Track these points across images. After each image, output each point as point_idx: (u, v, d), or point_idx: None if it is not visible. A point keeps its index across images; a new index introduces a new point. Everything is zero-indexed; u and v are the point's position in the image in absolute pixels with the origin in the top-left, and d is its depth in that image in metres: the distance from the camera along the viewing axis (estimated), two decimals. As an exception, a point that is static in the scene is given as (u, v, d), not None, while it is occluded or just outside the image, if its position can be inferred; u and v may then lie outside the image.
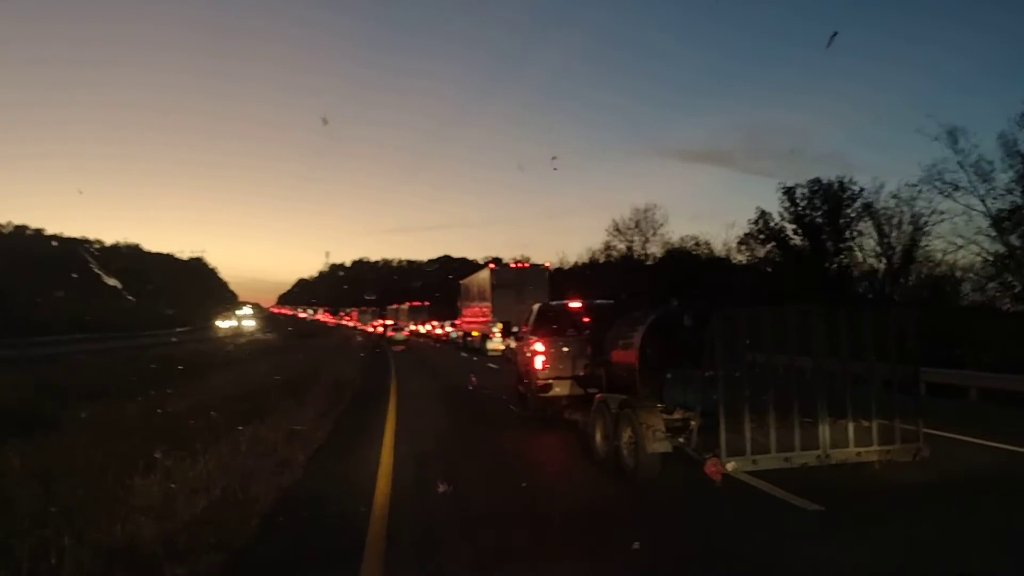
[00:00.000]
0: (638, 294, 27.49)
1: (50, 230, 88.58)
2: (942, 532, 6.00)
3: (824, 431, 6.91)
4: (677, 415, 7.78)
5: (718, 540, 6.03)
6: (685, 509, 7.04)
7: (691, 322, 8.49)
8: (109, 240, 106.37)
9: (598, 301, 13.54)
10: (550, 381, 12.03)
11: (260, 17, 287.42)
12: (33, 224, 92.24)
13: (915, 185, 32.36)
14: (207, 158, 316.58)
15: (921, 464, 7.27)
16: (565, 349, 12.04)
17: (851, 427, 7.03)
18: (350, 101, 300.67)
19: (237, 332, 68.50)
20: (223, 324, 74.35)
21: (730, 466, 6.59)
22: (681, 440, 7.45)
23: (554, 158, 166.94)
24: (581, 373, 11.39)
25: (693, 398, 7.45)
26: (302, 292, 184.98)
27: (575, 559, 5.47)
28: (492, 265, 37.04)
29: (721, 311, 7.05)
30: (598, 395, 9.43)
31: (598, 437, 9.01)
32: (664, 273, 44.33)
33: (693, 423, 7.30)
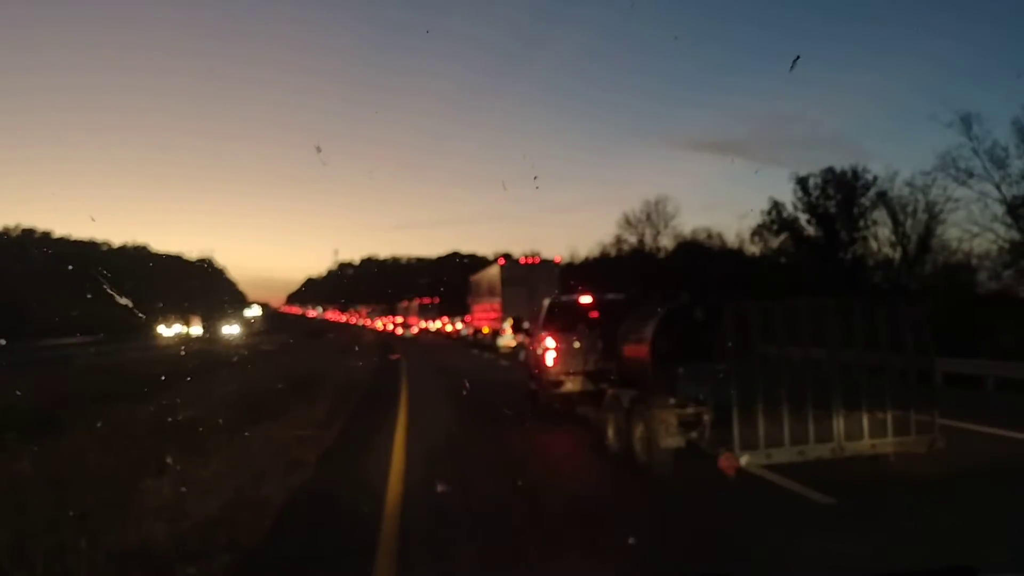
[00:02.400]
0: (649, 289, 27.36)
1: (58, 232, 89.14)
2: (954, 524, 5.89)
3: (838, 423, 6.91)
4: (690, 410, 7.71)
5: (728, 531, 5.98)
6: (697, 502, 6.96)
7: (702, 316, 8.42)
8: (117, 241, 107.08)
9: (609, 296, 13.47)
10: (562, 377, 11.97)
11: (266, 18, 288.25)
12: (41, 227, 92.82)
13: (929, 173, 32.41)
14: (215, 159, 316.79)
15: (936, 455, 7.22)
16: (576, 344, 11.95)
17: (865, 419, 7.01)
18: (356, 99, 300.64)
19: (206, 341, 50.97)
20: (168, 331, 55.15)
21: (744, 460, 6.58)
22: (694, 435, 7.42)
23: (536, 177, 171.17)
24: (592, 368, 11.31)
25: (706, 392, 7.40)
26: (311, 291, 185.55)
27: (588, 554, 5.42)
28: (502, 260, 36.97)
29: (732, 305, 7.03)
30: (610, 390, 9.36)
31: (610, 432, 8.97)
32: (676, 265, 44.25)
33: (706, 418, 7.27)
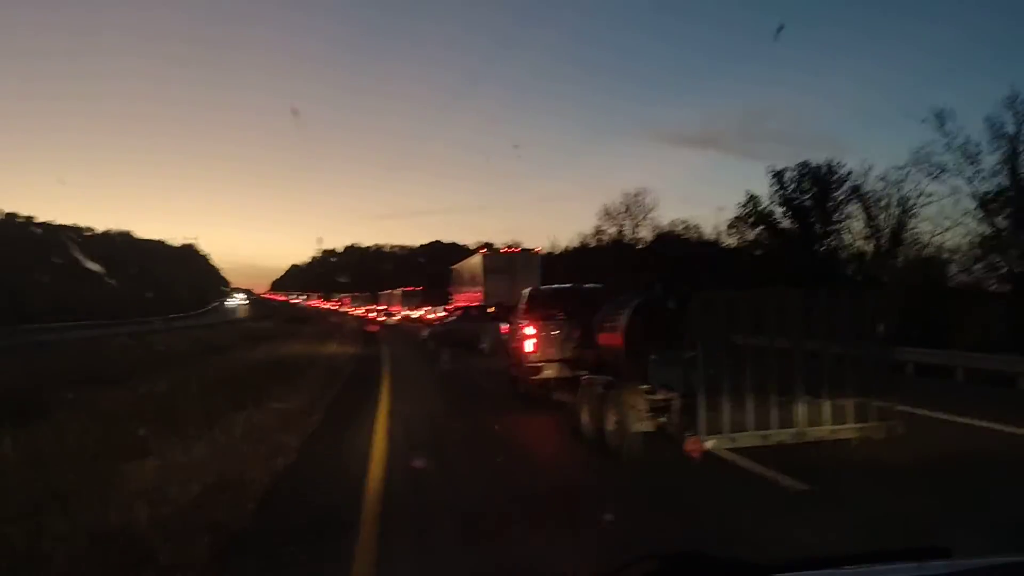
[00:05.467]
0: (627, 279, 27.65)
1: (41, 218, 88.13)
2: (918, 508, 6.11)
3: (800, 409, 7.14)
4: (660, 395, 7.92)
5: (700, 516, 6.16)
6: (671, 486, 7.11)
7: (674, 305, 8.63)
8: (101, 227, 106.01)
9: (587, 285, 13.78)
10: (541, 364, 12.23)
11: (250, 4, 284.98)
12: (23, 212, 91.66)
13: (903, 167, 32.69)
14: (200, 146, 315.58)
15: (907, 443, 7.46)
16: (555, 332, 12.20)
17: (827, 406, 7.25)
18: (341, 87, 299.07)
19: None
20: None
21: (709, 444, 6.86)
22: (663, 420, 7.64)
23: (516, 146, 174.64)
24: (570, 356, 11.53)
25: (675, 379, 7.61)
26: (294, 278, 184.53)
27: (564, 535, 5.56)
28: (484, 250, 37.02)
29: (700, 294, 7.29)
30: (584, 376, 9.57)
31: (585, 417, 9.14)
32: (654, 257, 44.52)
33: (675, 403, 7.49)
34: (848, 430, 7.33)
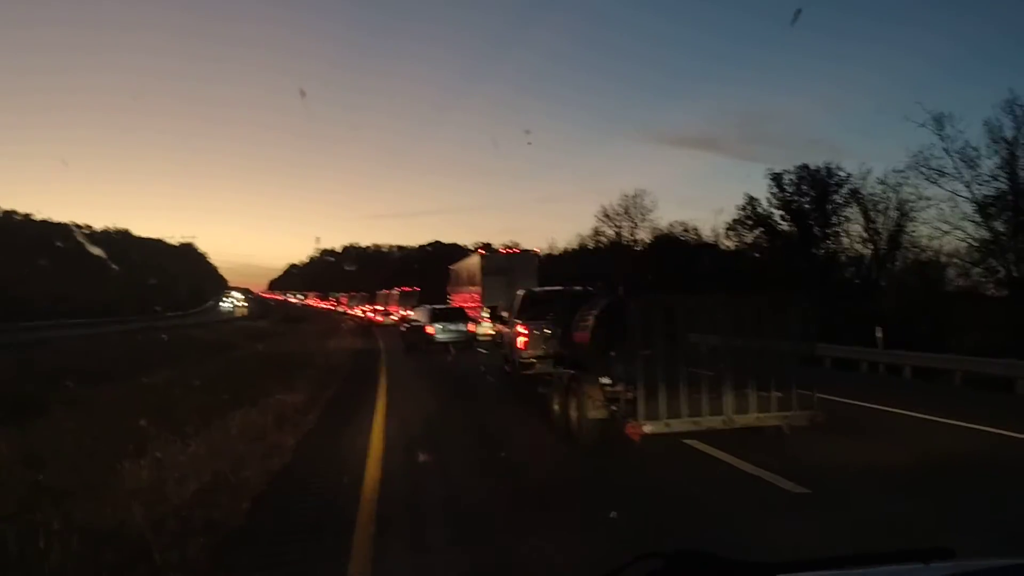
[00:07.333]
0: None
1: (39, 216, 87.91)
2: (913, 512, 6.12)
3: (728, 399, 8.02)
4: (611, 387, 8.63)
5: (690, 507, 6.25)
6: (668, 486, 7.23)
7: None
8: (99, 225, 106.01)
9: (576, 287, 14.53)
10: (532, 360, 13.06)
11: (250, 4, 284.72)
12: (22, 209, 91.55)
13: (901, 171, 32.62)
14: (198, 144, 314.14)
15: (909, 448, 7.96)
16: (546, 331, 12.80)
17: (752, 396, 8.03)
18: (339, 85, 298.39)
19: None
20: None
21: (647, 428, 7.76)
22: (614, 408, 8.42)
23: (527, 131, 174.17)
24: (554, 352, 12.02)
25: (626, 373, 8.34)
26: (293, 277, 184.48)
27: (558, 529, 5.64)
28: (482, 251, 37.02)
29: (638, 299, 8.30)
30: (555, 370, 10.53)
31: (555, 407, 10.10)
32: (653, 258, 44.54)
33: (624, 394, 8.28)
34: (772, 418, 8.11)
